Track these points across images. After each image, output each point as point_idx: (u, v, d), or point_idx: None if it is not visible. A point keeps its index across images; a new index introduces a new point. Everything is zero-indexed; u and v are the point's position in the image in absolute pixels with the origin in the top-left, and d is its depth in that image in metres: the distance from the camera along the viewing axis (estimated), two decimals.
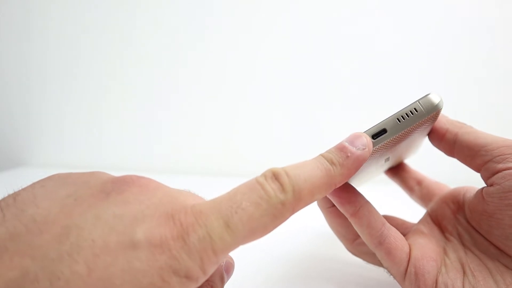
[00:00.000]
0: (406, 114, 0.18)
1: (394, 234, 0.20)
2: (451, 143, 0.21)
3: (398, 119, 0.18)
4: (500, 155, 0.18)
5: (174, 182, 0.64)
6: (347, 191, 0.20)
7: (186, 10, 0.61)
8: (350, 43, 0.57)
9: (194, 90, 0.63)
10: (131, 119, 0.65)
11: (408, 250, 0.20)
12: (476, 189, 0.22)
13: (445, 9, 0.54)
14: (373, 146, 0.18)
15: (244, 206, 0.13)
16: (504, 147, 0.18)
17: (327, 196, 0.20)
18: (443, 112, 0.21)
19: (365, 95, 0.58)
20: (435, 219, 0.24)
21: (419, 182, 0.28)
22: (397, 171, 0.29)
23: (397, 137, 0.18)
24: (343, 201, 0.20)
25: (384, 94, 0.57)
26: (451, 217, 0.23)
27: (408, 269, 0.20)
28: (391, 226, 0.21)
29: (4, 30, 0.67)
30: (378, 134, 0.18)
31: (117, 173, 0.57)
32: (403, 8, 0.55)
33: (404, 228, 0.25)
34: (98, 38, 0.64)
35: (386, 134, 0.18)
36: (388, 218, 0.25)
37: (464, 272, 0.20)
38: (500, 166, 0.18)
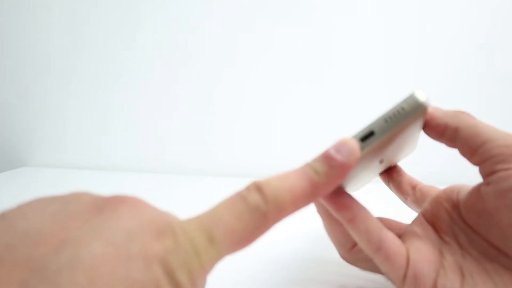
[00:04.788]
0: (394, 114, 0.18)
1: (392, 239, 0.20)
2: (452, 138, 0.20)
3: (386, 119, 0.18)
4: (499, 155, 0.18)
5: (174, 182, 0.64)
6: (342, 197, 0.20)
7: (186, 9, 0.61)
8: (346, 42, 0.57)
9: (194, 90, 0.63)
10: (131, 119, 0.65)
11: (407, 254, 0.20)
12: (469, 187, 0.22)
13: (442, 7, 0.55)
14: (362, 150, 0.18)
15: (226, 220, 0.14)
16: (504, 146, 0.18)
17: (323, 203, 0.20)
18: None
19: (363, 94, 0.58)
20: (429, 219, 0.23)
21: (414, 187, 0.27)
22: (392, 175, 0.29)
23: (386, 138, 0.18)
24: (339, 207, 0.20)
25: (379, 92, 0.57)
26: (446, 217, 0.22)
27: (408, 273, 0.19)
28: (388, 231, 0.20)
29: (3, 29, 0.67)
30: (366, 137, 0.18)
31: (117, 173, 0.57)
32: (402, 7, 0.56)
33: (397, 230, 0.24)
34: (99, 38, 0.64)
35: (375, 136, 0.18)
36: (380, 221, 0.25)
37: (462, 274, 0.19)
38: (498, 166, 0.18)
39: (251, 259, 0.30)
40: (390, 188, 0.29)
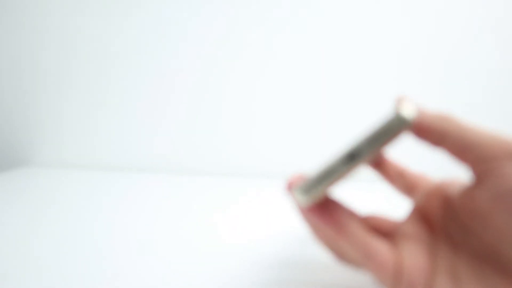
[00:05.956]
0: (379, 133, 0.17)
1: (381, 248, 0.20)
2: (438, 139, 0.19)
3: (370, 140, 0.17)
4: (492, 155, 0.17)
5: (174, 182, 0.64)
6: (329, 211, 0.19)
7: (178, 8, 0.61)
8: (343, 41, 0.57)
9: (194, 89, 0.63)
10: (131, 119, 0.66)
11: (397, 262, 0.20)
12: (463, 181, 0.21)
13: (442, 8, 0.55)
14: (348, 169, 0.17)
15: None
16: (496, 146, 0.17)
17: (311, 216, 0.20)
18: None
19: (355, 95, 0.58)
20: (422, 215, 0.23)
21: (401, 174, 0.26)
22: (377, 163, 0.28)
23: (371, 156, 0.18)
24: (326, 222, 0.19)
25: (375, 94, 0.58)
26: (439, 214, 0.21)
27: (400, 281, 0.19)
28: (378, 238, 0.20)
29: (2, 30, 0.67)
30: (351, 157, 0.17)
31: (117, 173, 0.57)
32: (402, 9, 0.56)
33: (390, 227, 0.24)
34: (96, 38, 0.64)
35: (359, 157, 0.17)
36: (374, 219, 0.25)
37: (456, 279, 0.19)
38: (492, 168, 0.17)
39: (235, 259, 0.31)
40: (375, 171, 0.28)
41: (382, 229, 0.25)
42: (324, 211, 0.19)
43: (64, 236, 0.36)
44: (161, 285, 0.26)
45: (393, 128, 0.17)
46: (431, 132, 0.19)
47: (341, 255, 0.23)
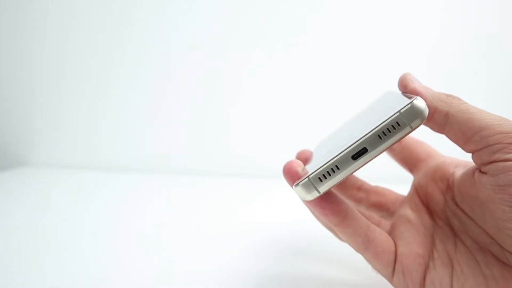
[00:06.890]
0: (388, 129, 0.16)
1: (379, 237, 0.20)
2: (441, 124, 0.18)
3: (379, 135, 0.16)
4: (497, 144, 0.16)
5: (173, 182, 0.64)
6: (330, 202, 0.19)
7: (182, 7, 0.61)
8: (342, 40, 0.58)
9: (192, 89, 0.63)
10: (130, 119, 0.66)
11: (394, 249, 0.20)
12: (466, 164, 0.21)
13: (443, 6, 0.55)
14: (355, 167, 0.17)
15: None
16: (501, 134, 0.16)
17: (311, 207, 0.19)
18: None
19: (358, 93, 0.58)
20: (423, 198, 0.22)
21: (401, 143, 0.26)
22: None
23: (381, 152, 0.17)
24: (327, 212, 0.19)
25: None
26: (440, 198, 0.21)
27: (396, 268, 0.19)
28: (375, 228, 0.20)
29: (2, 30, 0.67)
30: (358, 153, 0.17)
31: (116, 173, 0.57)
32: (401, 6, 0.56)
33: (394, 201, 0.24)
34: (95, 38, 0.64)
35: (367, 153, 0.17)
36: (378, 193, 0.25)
37: (452, 267, 0.19)
38: (496, 156, 0.16)
39: (240, 258, 0.30)
40: None
41: (386, 204, 0.25)
42: (325, 203, 0.19)
43: (63, 236, 0.36)
44: (162, 285, 0.26)
45: (405, 120, 0.16)
46: (435, 112, 0.18)
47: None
